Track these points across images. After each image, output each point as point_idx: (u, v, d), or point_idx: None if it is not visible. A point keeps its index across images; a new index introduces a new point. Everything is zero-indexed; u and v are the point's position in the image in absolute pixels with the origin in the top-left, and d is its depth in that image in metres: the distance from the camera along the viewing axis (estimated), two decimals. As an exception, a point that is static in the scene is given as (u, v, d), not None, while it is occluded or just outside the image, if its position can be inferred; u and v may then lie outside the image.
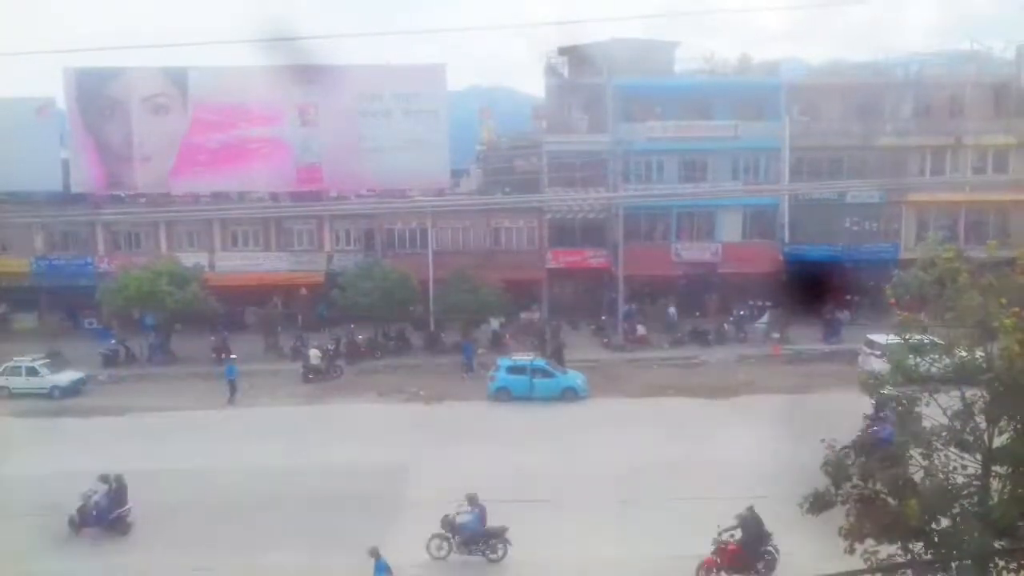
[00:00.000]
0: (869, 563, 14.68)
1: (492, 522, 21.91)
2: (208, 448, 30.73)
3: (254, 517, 24.38)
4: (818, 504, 15.95)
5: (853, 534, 15.13)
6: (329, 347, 42.53)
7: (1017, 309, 15.09)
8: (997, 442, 15.28)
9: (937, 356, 16.06)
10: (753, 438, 29.32)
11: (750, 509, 20.63)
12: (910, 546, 14.80)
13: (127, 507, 23.88)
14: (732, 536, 20.39)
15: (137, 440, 31.68)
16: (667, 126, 49.24)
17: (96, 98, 49.32)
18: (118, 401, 37.13)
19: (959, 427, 15.74)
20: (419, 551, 21.55)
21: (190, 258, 46.49)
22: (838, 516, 15.57)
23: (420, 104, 49.06)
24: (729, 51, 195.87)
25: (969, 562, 13.86)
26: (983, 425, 15.47)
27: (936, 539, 14.63)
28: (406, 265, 45.75)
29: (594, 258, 49.53)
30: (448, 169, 50.78)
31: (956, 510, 14.86)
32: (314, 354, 40.78)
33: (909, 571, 15.04)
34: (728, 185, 49.44)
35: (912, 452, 15.69)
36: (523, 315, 48.73)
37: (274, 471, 27.94)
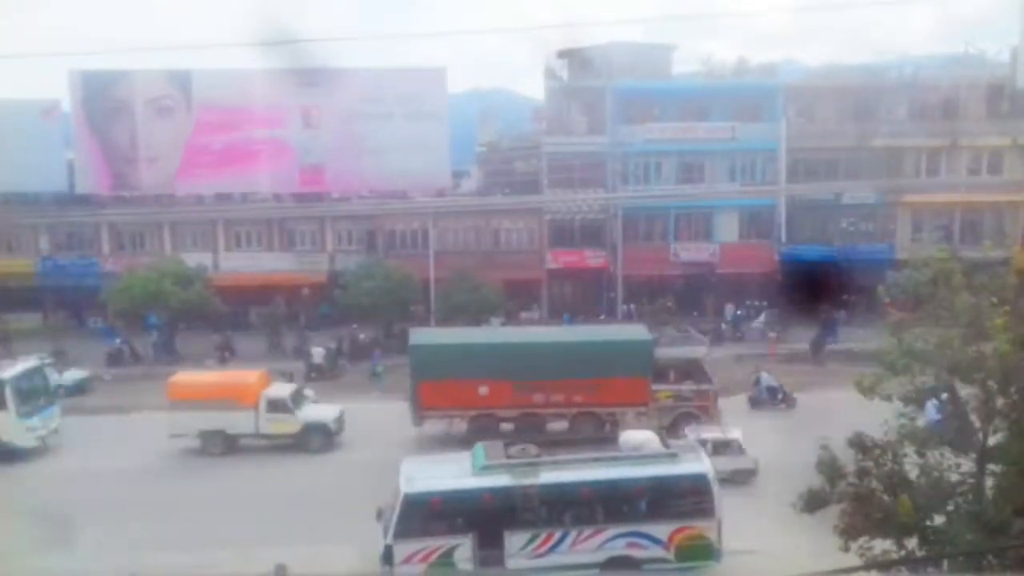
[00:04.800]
0: (864, 559, 15.10)
1: None
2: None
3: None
4: (813, 502, 16.34)
5: (848, 531, 15.54)
6: (331, 346, 42.93)
7: (1009, 308, 15.51)
8: (991, 441, 15.66)
9: (931, 355, 16.44)
10: (749, 435, 29.94)
11: None
12: (904, 543, 15.07)
13: None
14: None
15: (144, 438, 32.01)
16: (665, 128, 49.59)
17: (101, 100, 49.66)
18: (122, 400, 37.27)
19: (953, 426, 16.19)
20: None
21: (194, 258, 46.74)
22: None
23: (421, 106, 49.40)
24: (727, 53, 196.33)
25: (962, 559, 14.19)
26: (977, 424, 15.88)
27: (930, 536, 14.90)
28: (407, 265, 46.16)
29: (593, 258, 49.92)
30: (449, 170, 51.14)
31: (950, 507, 15.17)
32: (318, 352, 41.12)
33: (903, 568, 15.44)
34: (725, 186, 49.85)
35: (907, 450, 16.11)
36: (523, 315, 49.08)
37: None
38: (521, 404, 30.15)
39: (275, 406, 30.74)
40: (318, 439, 30.53)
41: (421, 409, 30.52)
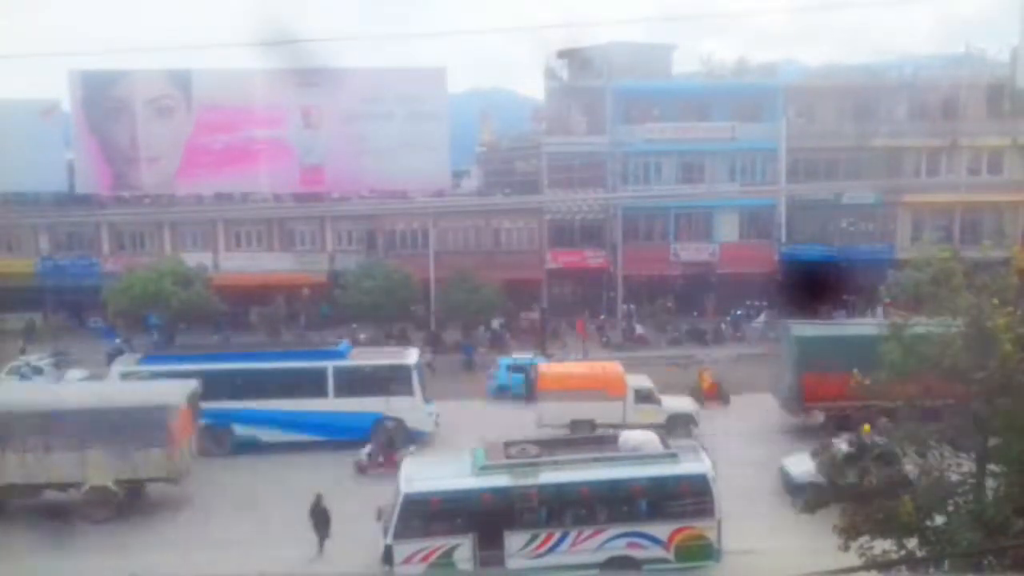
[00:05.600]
0: (864, 559, 15.10)
1: None
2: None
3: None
4: (813, 502, 16.33)
5: (848, 531, 15.54)
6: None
7: (1011, 308, 15.48)
8: (991, 441, 15.67)
9: (931, 355, 16.41)
10: (752, 435, 30.02)
11: None
12: (905, 542, 15.05)
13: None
14: None
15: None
16: (665, 128, 49.67)
17: (101, 100, 49.72)
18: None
19: (953, 426, 16.17)
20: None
21: (194, 258, 46.68)
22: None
23: (421, 106, 49.47)
24: (727, 53, 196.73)
25: (962, 559, 14.16)
26: (977, 424, 15.88)
27: (930, 536, 14.90)
28: (407, 265, 46.17)
29: (593, 258, 49.97)
30: (449, 170, 51.23)
31: (950, 507, 15.16)
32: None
33: (904, 567, 15.42)
34: (725, 186, 49.87)
35: (907, 450, 16.10)
36: (523, 315, 49.08)
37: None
38: (902, 396, 29.82)
39: (643, 396, 30.76)
40: (682, 429, 29.88)
41: (803, 401, 30.52)
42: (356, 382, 30.79)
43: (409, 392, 30.60)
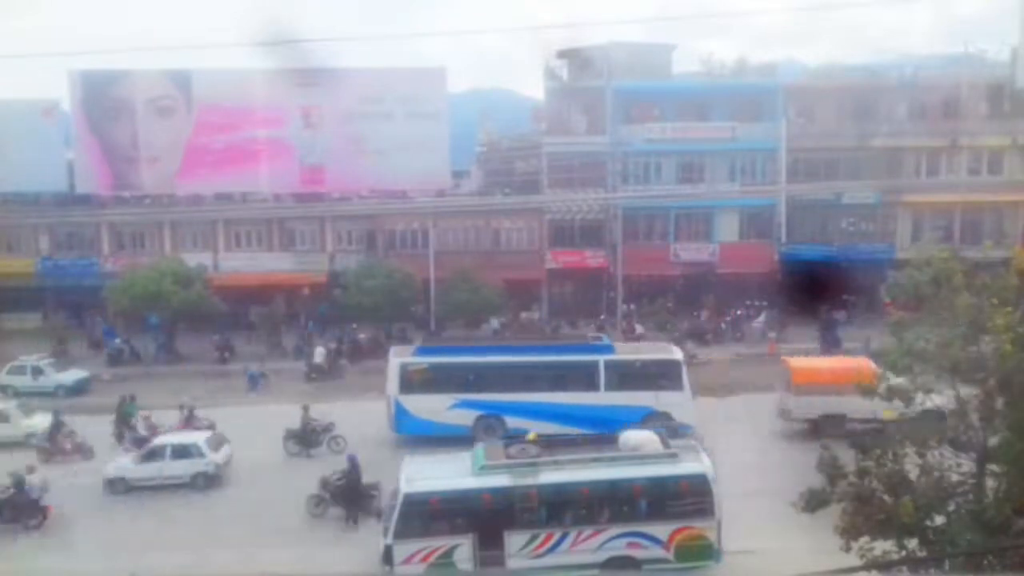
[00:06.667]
0: (864, 560, 15.08)
1: None
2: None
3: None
4: (813, 502, 16.32)
5: (849, 531, 15.52)
6: (331, 346, 42.85)
7: (1010, 309, 15.49)
8: (991, 441, 15.66)
9: (932, 355, 16.41)
10: (752, 435, 30.14)
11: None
12: (905, 543, 15.01)
13: None
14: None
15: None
16: (665, 128, 49.77)
17: (101, 100, 49.75)
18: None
19: (954, 426, 16.17)
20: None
21: (194, 258, 46.63)
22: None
23: (421, 106, 49.50)
24: (727, 53, 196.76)
25: (963, 559, 14.15)
26: (977, 424, 15.88)
27: (931, 536, 14.85)
28: (408, 265, 46.22)
29: (593, 258, 49.98)
30: (449, 170, 51.25)
31: (950, 508, 15.14)
32: (319, 352, 40.98)
33: (904, 568, 15.40)
34: (725, 186, 49.89)
35: (907, 450, 16.10)
36: (523, 315, 49.07)
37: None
38: None
39: (894, 393, 30.45)
40: (933, 426, 29.61)
41: None
42: (627, 376, 30.75)
43: (679, 387, 30.33)
